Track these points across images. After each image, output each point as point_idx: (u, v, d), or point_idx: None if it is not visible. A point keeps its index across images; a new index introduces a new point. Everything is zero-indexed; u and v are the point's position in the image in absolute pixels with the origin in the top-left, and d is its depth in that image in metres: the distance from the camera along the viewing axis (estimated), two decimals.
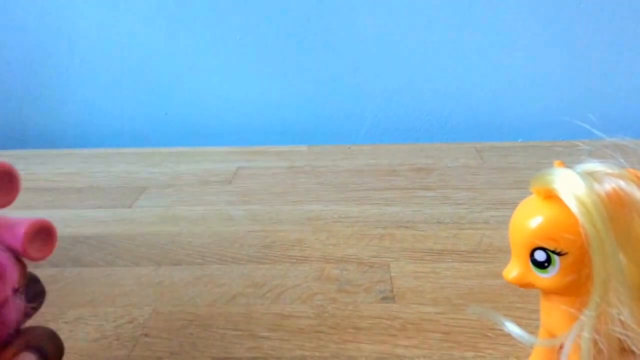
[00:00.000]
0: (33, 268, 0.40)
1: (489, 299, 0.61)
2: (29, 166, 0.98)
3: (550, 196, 0.34)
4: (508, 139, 1.07)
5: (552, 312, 0.37)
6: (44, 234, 0.35)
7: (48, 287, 0.66)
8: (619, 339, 0.34)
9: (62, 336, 0.46)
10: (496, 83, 1.07)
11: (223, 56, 1.08)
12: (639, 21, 1.01)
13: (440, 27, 1.04)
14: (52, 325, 0.59)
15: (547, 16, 1.02)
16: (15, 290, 0.34)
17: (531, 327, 0.39)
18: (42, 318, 0.61)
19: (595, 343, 0.34)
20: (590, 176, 0.33)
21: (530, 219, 0.34)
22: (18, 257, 0.35)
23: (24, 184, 0.37)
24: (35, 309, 0.37)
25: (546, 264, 0.34)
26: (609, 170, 0.34)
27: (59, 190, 0.89)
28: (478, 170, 0.91)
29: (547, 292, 0.37)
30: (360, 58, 1.06)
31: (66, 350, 0.42)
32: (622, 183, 0.33)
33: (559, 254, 0.33)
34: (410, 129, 1.10)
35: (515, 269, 0.36)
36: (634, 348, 0.34)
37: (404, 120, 1.10)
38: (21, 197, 0.37)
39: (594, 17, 1.01)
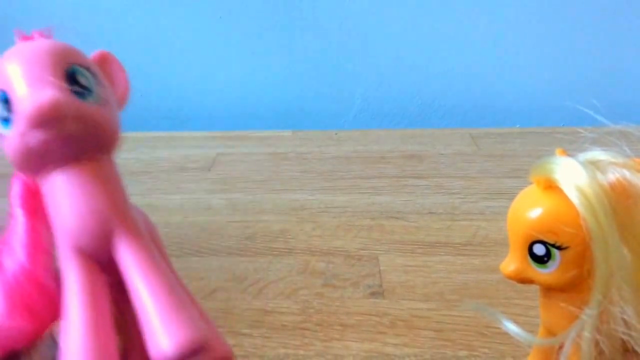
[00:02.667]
0: None
1: (484, 294, 0.61)
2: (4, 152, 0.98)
3: (551, 186, 0.34)
4: (505, 124, 1.07)
5: (551, 310, 0.37)
6: None
7: None
8: (622, 339, 0.34)
9: None
10: (492, 65, 1.06)
11: (203, 35, 1.07)
12: None
13: (433, 7, 1.03)
14: None
15: None
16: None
17: (529, 324, 0.39)
18: None
19: (597, 343, 0.34)
20: (593, 165, 0.33)
21: (529, 211, 0.34)
22: None
23: None
24: None
25: (545, 259, 0.34)
26: (613, 160, 0.34)
27: None
28: (473, 157, 0.91)
29: (547, 289, 0.37)
30: (348, 37, 1.06)
31: None
32: (626, 173, 0.33)
33: (559, 248, 0.33)
34: (401, 113, 1.10)
35: (513, 263, 0.36)
36: (637, 349, 0.34)
37: (394, 104, 1.10)
38: None
39: None
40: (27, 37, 0.34)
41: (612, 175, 0.33)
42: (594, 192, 0.32)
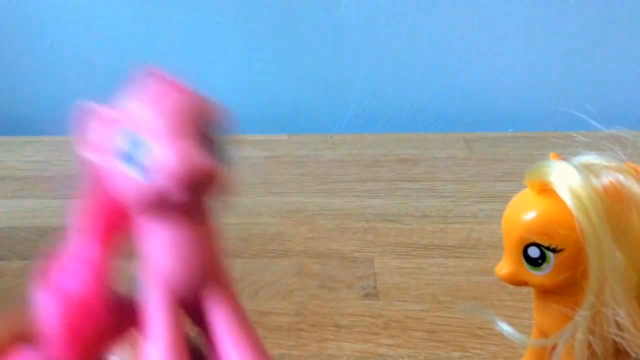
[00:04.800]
0: None
1: (477, 296, 0.60)
2: None
3: (545, 190, 0.34)
4: (498, 129, 1.06)
5: (545, 312, 0.37)
6: None
7: (15, 281, 0.65)
8: (614, 341, 0.34)
9: None
10: (486, 70, 1.06)
11: (201, 41, 1.07)
12: (636, 8, 1.01)
13: (427, 13, 1.03)
14: None
15: (540, 1, 1.02)
16: None
17: (521, 326, 0.38)
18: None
19: (589, 344, 0.34)
20: (587, 169, 0.33)
21: (524, 213, 0.34)
22: None
23: None
24: None
25: (540, 261, 0.34)
26: (607, 164, 0.33)
27: (27, 179, 0.88)
28: (466, 161, 0.91)
29: (541, 291, 0.36)
30: (343, 43, 1.06)
31: None
32: (620, 177, 0.33)
33: (553, 250, 0.33)
34: (395, 117, 1.10)
35: (507, 266, 0.36)
36: (629, 350, 0.34)
37: (389, 109, 1.09)
38: None
39: (590, 1, 1.01)
40: (157, 78, 0.34)
41: (606, 179, 0.32)
42: (588, 195, 0.31)
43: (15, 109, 1.12)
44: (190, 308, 0.32)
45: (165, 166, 0.28)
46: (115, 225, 0.32)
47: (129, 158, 0.29)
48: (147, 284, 0.31)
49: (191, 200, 0.29)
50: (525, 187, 0.35)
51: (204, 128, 0.30)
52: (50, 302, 0.31)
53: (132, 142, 0.29)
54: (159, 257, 0.31)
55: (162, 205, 0.29)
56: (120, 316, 0.33)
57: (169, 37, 1.06)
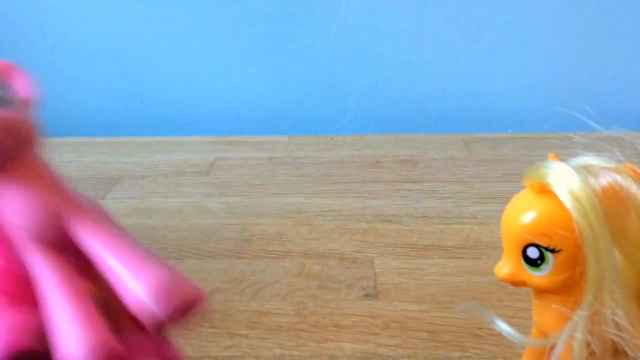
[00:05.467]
0: None
1: (476, 296, 0.60)
2: None
3: (544, 190, 0.34)
4: (497, 129, 1.06)
5: (544, 312, 0.37)
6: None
7: None
8: (613, 341, 0.34)
9: None
10: (485, 71, 1.06)
11: (201, 43, 1.07)
12: (635, 9, 1.01)
13: (426, 15, 1.03)
14: None
15: (538, 3, 1.02)
16: None
17: (520, 326, 0.38)
18: None
19: (588, 344, 0.34)
20: (586, 170, 0.33)
21: (523, 214, 0.34)
22: None
23: None
24: None
25: (539, 262, 0.34)
26: (605, 165, 0.33)
27: None
28: (465, 162, 0.91)
29: (540, 291, 0.36)
30: (344, 45, 1.06)
31: None
32: (618, 178, 0.33)
33: (552, 250, 0.33)
34: (395, 119, 1.10)
35: (506, 266, 0.36)
36: (627, 350, 0.34)
37: (388, 110, 1.09)
38: None
39: (588, 3, 1.01)
40: None
41: (604, 180, 0.32)
42: (587, 196, 0.31)
43: None
44: (64, 245, 0.32)
45: None
46: None
47: None
48: (19, 244, 0.32)
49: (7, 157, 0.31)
50: (524, 188, 0.35)
51: None
52: None
53: None
54: (7, 216, 0.32)
55: None
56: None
57: (171, 39, 1.06)
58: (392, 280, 0.63)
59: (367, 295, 0.61)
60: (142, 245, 0.33)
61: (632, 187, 0.32)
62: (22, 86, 0.35)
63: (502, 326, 0.38)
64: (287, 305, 0.60)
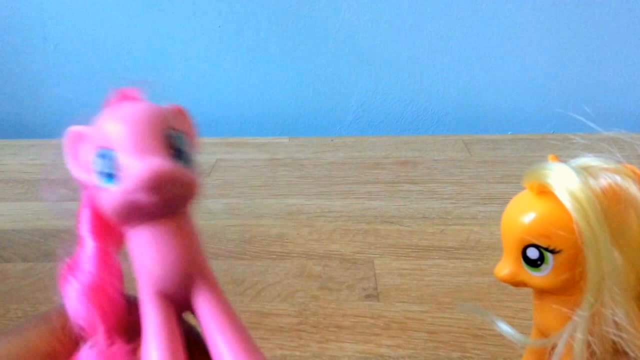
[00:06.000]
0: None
1: (477, 297, 0.60)
2: None
3: (544, 191, 0.34)
4: (497, 131, 1.06)
5: (544, 312, 0.37)
6: None
7: (19, 283, 0.65)
8: (613, 341, 0.34)
9: None
10: (485, 73, 1.06)
11: (203, 45, 1.07)
12: (634, 11, 1.01)
13: (427, 17, 1.03)
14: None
15: (538, 4, 1.02)
16: None
17: (521, 326, 0.38)
18: (14, 315, 0.60)
19: (588, 344, 0.34)
20: (585, 171, 0.33)
21: (523, 215, 0.34)
22: None
23: None
24: None
25: (539, 262, 0.34)
26: (605, 165, 0.33)
27: (31, 182, 0.88)
28: (466, 163, 0.91)
29: (540, 291, 0.36)
30: (344, 47, 1.06)
31: None
32: (618, 178, 0.33)
33: (552, 251, 0.33)
34: (395, 120, 1.10)
35: (507, 267, 0.36)
36: (627, 350, 0.34)
37: (389, 112, 1.09)
38: None
39: (587, 5, 1.01)
40: (126, 97, 0.35)
41: (604, 181, 0.32)
42: (586, 197, 0.31)
43: (19, 112, 1.12)
44: (181, 305, 0.33)
45: (133, 174, 0.29)
46: (112, 231, 0.34)
47: (104, 173, 0.31)
48: (139, 285, 0.32)
49: (165, 206, 0.31)
50: (524, 188, 0.35)
51: (169, 138, 0.32)
52: (76, 294, 0.33)
53: (106, 158, 0.31)
54: (142, 262, 0.32)
55: (136, 212, 0.31)
56: (132, 316, 0.34)
57: (172, 41, 1.06)
58: (392, 281, 0.63)
59: (367, 296, 0.61)
60: (248, 330, 0.34)
61: (632, 188, 0.32)
62: (189, 132, 0.35)
63: (503, 327, 0.38)
64: (288, 306, 0.60)
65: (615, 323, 0.33)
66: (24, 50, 1.08)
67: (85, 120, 0.34)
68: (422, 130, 1.10)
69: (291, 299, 0.61)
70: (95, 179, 0.31)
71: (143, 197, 0.30)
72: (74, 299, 0.33)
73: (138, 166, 0.29)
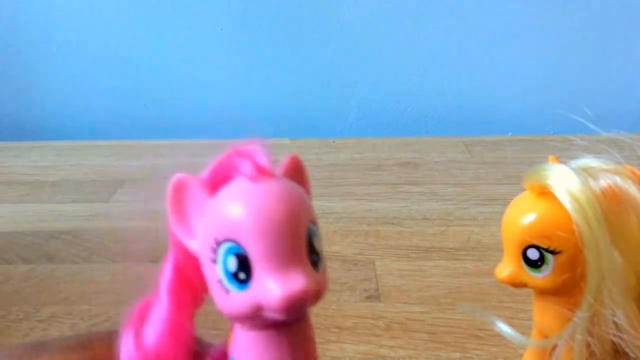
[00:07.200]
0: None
1: (477, 298, 0.60)
2: (1, 159, 0.97)
3: (544, 192, 0.34)
4: (497, 132, 1.06)
5: (544, 313, 0.37)
6: None
7: (21, 284, 0.65)
8: (613, 341, 0.34)
9: (36, 335, 0.45)
10: (485, 74, 1.06)
11: (204, 47, 1.07)
12: (634, 12, 1.01)
13: (427, 19, 1.03)
14: (26, 324, 0.59)
15: (538, 6, 1.02)
16: None
17: (521, 327, 0.38)
18: (15, 317, 0.60)
19: (588, 345, 0.34)
20: (585, 172, 0.33)
21: (523, 216, 0.34)
22: None
23: None
24: None
25: (539, 263, 0.34)
26: (605, 166, 0.33)
27: (32, 183, 0.88)
28: (466, 164, 0.91)
29: (540, 292, 0.36)
30: (345, 48, 1.06)
31: None
32: (618, 179, 0.33)
33: (552, 252, 0.33)
34: (396, 122, 1.10)
35: (507, 268, 0.36)
36: (627, 351, 0.34)
37: (390, 113, 1.09)
38: None
39: (587, 6, 1.01)
40: (255, 167, 0.30)
41: (604, 182, 0.32)
42: (586, 198, 0.31)
43: (21, 114, 1.12)
44: None
45: (271, 295, 0.25)
46: (195, 293, 0.31)
47: (232, 274, 0.27)
48: None
49: (294, 317, 0.27)
50: (524, 190, 0.35)
51: (309, 237, 0.28)
52: (133, 354, 0.30)
53: (233, 254, 0.26)
54: None
55: (260, 323, 0.27)
56: None
57: (174, 43, 1.07)
58: (393, 282, 0.63)
59: (369, 297, 0.61)
60: None
61: (632, 189, 0.32)
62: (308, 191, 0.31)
63: (503, 327, 0.38)
64: None
65: (615, 324, 0.33)
66: (27, 53, 1.08)
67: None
68: (422, 132, 1.10)
69: None
70: (215, 272, 0.27)
71: (275, 316, 0.26)
72: (129, 358, 0.30)
73: (277, 286, 0.25)
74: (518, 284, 0.36)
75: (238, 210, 0.27)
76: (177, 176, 0.30)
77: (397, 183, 0.85)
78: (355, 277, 0.64)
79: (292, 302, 0.25)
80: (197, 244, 0.29)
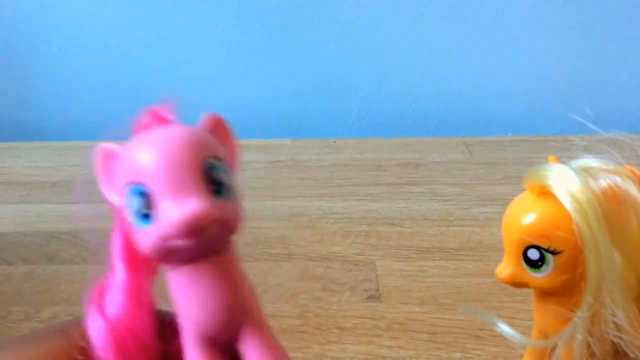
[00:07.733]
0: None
1: (477, 298, 0.60)
2: (2, 159, 0.97)
3: (544, 193, 0.34)
4: (497, 133, 1.06)
5: (545, 313, 0.37)
6: None
7: (21, 285, 0.65)
8: (613, 342, 0.34)
9: None
10: (485, 75, 1.06)
11: (205, 47, 1.07)
12: (634, 12, 1.01)
13: (428, 19, 1.03)
14: (26, 325, 0.59)
15: (539, 6, 1.02)
16: None
17: (521, 327, 0.38)
18: (16, 317, 0.60)
19: (588, 345, 0.34)
20: (585, 172, 0.33)
21: (523, 216, 0.34)
22: None
23: None
24: None
25: (539, 263, 0.34)
26: (605, 167, 0.33)
27: (33, 184, 0.88)
28: (466, 165, 0.91)
29: (540, 292, 0.36)
30: (346, 49, 1.06)
31: None
32: (618, 180, 0.33)
33: (552, 252, 0.33)
34: (397, 122, 1.10)
35: (507, 268, 0.36)
36: (627, 351, 0.34)
37: (390, 114, 1.09)
38: None
39: (587, 6, 1.01)
40: (158, 118, 0.33)
41: (604, 182, 0.33)
42: (587, 198, 0.31)
43: (21, 115, 1.12)
44: (227, 351, 0.31)
45: (168, 218, 0.27)
46: (147, 259, 0.31)
47: (138, 213, 0.29)
48: (183, 330, 0.31)
49: (205, 248, 0.29)
50: (524, 190, 0.35)
51: (209, 169, 0.29)
52: (101, 328, 0.31)
53: (140, 195, 0.28)
54: (185, 305, 0.30)
55: (174, 255, 0.29)
56: (163, 334, 0.32)
57: (174, 44, 1.06)
58: (394, 283, 0.63)
59: (369, 298, 0.61)
60: None
61: (632, 189, 0.33)
62: (229, 148, 0.33)
63: (503, 327, 0.38)
64: (290, 307, 0.60)
65: (615, 324, 0.33)
66: (27, 53, 1.08)
67: (113, 132, 0.32)
68: (423, 132, 1.10)
69: (293, 300, 0.61)
70: (129, 216, 0.29)
71: (179, 243, 0.28)
72: (98, 333, 0.31)
73: (174, 210, 0.27)
74: (518, 284, 0.36)
75: (136, 154, 0.30)
76: (100, 146, 0.33)
77: (398, 183, 0.85)
78: (356, 278, 0.64)
79: (189, 223, 0.27)
80: (119, 200, 0.30)
